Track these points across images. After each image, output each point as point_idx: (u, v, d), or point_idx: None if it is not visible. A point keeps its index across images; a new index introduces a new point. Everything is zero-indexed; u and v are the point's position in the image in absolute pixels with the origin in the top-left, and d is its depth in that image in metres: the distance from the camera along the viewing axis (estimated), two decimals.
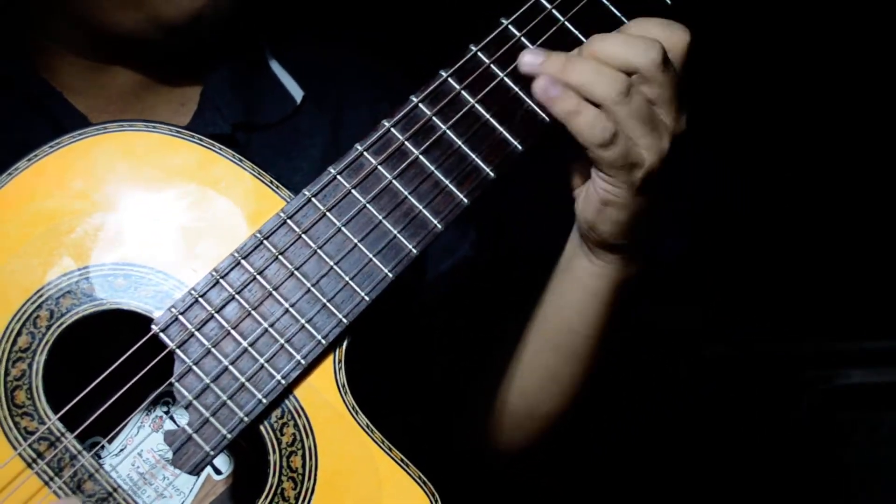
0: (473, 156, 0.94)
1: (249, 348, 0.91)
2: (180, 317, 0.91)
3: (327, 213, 0.93)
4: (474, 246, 1.21)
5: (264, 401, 0.90)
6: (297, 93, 1.18)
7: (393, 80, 1.23)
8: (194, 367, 0.90)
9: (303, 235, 0.92)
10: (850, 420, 2.12)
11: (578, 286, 1.06)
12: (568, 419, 1.15)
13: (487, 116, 0.95)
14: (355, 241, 0.93)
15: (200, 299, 0.91)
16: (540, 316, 1.11)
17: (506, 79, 0.95)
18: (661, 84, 0.93)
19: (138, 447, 0.98)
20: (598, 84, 0.92)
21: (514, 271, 1.22)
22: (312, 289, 0.92)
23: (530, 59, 0.94)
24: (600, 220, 0.99)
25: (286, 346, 0.91)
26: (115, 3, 1.05)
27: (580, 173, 1.01)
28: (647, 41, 0.93)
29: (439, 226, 0.94)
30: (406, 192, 0.93)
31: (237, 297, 0.91)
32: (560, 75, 0.93)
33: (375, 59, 1.26)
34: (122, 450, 0.97)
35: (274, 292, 0.92)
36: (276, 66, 1.19)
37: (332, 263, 0.92)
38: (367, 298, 0.92)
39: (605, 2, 0.96)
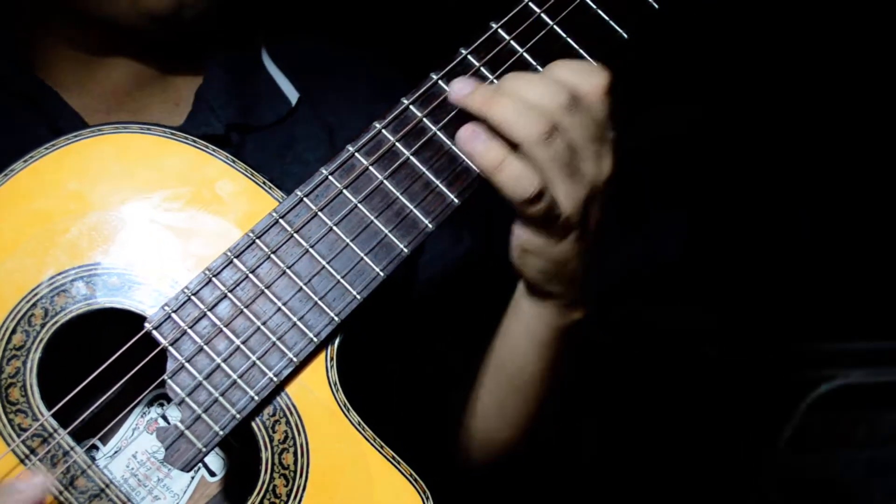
0: (464, 156, 0.95)
1: (242, 346, 0.92)
2: (173, 314, 0.91)
3: (319, 213, 0.93)
4: (468, 251, 1.21)
5: (256, 398, 0.91)
6: (293, 94, 1.19)
7: (390, 81, 1.23)
8: (187, 365, 0.91)
9: (295, 235, 0.93)
10: (850, 420, 2.12)
11: (522, 326, 1.05)
12: (533, 446, 1.14)
13: None
14: (347, 240, 0.93)
15: (193, 297, 0.92)
16: (494, 345, 1.10)
17: (495, 81, 0.95)
18: (570, 129, 0.91)
19: (133, 449, 0.98)
20: (518, 124, 0.90)
21: (504, 273, 1.22)
22: (304, 287, 0.93)
23: (459, 87, 0.93)
24: (523, 266, 0.99)
25: (278, 343, 0.92)
26: None
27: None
28: (554, 84, 0.91)
29: (430, 225, 0.94)
30: (397, 193, 0.94)
31: (230, 295, 0.92)
32: (482, 109, 0.91)
33: (372, 58, 1.27)
34: (116, 451, 0.98)
35: (266, 291, 0.92)
36: (271, 67, 1.20)
37: (323, 262, 0.93)
38: (358, 297, 0.93)
39: (593, 5, 0.97)
